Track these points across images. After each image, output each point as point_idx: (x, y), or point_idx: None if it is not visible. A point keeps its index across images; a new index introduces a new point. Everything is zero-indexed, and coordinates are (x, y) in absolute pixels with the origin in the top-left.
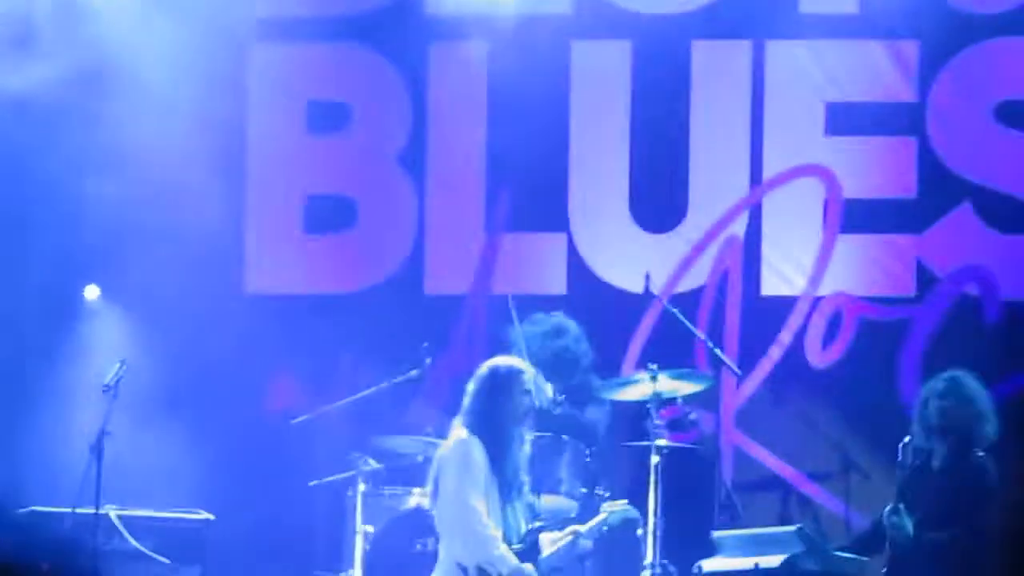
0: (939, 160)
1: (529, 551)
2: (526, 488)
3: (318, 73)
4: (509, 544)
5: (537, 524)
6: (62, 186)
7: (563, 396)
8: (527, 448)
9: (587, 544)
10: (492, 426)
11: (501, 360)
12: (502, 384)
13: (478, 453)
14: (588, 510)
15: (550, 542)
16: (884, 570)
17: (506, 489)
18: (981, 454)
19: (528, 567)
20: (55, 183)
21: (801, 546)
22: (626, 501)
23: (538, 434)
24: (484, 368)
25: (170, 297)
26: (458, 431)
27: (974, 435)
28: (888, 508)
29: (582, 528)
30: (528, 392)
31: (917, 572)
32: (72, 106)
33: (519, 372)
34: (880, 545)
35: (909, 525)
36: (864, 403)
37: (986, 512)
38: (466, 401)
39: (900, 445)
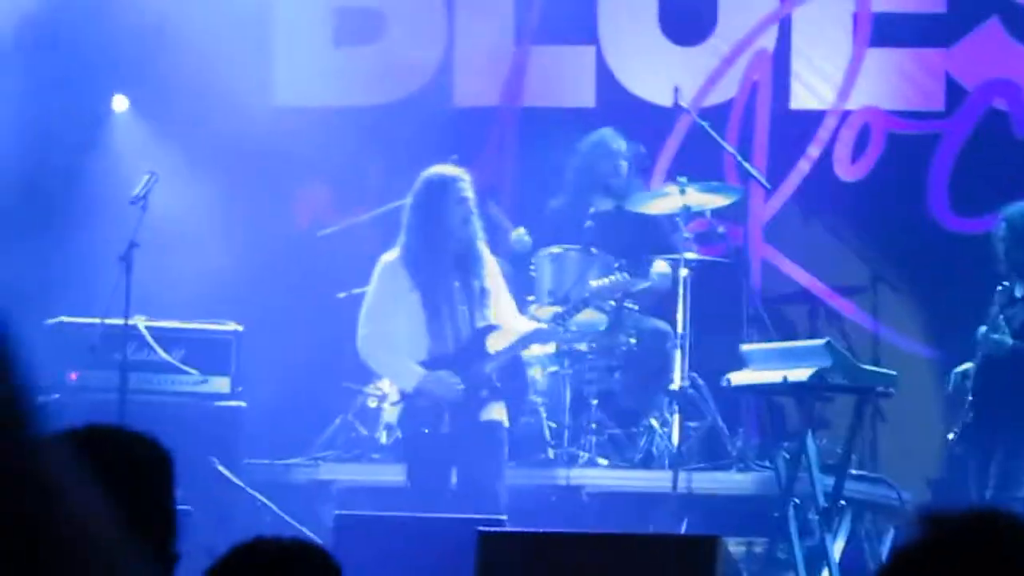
0: None
1: (466, 354)
2: (480, 296)
3: None
4: (447, 352)
5: (481, 325)
6: None
7: (593, 210)
8: (485, 257)
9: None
10: (419, 238)
11: (436, 169)
12: (433, 193)
13: (388, 273)
14: (617, 322)
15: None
16: (971, 383)
17: (436, 302)
18: None
19: (443, 373)
20: None
21: (829, 359)
22: (616, 276)
23: (567, 247)
24: (419, 179)
25: (199, 109)
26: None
27: None
28: (984, 328)
29: (543, 325)
30: (464, 200)
31: (1008, 381)
32: None
33: (453, 180)
34: None
35: (1008, 339)
36: (893, 217)
37: None
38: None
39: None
